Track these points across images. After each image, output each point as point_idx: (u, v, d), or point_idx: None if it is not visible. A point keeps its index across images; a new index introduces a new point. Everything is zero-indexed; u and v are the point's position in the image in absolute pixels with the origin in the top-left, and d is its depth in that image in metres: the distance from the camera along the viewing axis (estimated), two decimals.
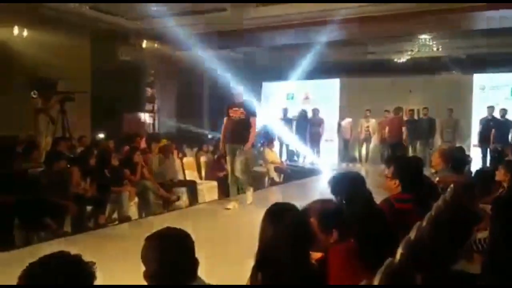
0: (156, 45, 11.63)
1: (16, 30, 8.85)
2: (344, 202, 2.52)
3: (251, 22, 10.19)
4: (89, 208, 6.11)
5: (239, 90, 6.90)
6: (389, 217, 2.75)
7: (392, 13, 9.19)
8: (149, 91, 12.18)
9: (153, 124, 12.36)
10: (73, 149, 7.93)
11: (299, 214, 1.99)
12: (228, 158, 6.92)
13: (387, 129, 11.96)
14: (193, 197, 7.84)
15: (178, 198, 7.55)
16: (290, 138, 13.07)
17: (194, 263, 1.78)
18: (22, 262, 1.56)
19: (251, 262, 2.03)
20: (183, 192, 7.76)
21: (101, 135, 10.14)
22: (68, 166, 6.19)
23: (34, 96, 8.54)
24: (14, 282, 1.56)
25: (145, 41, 11.41)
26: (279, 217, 1.93)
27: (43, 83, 8.58)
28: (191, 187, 7.94)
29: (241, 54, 14.45)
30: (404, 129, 11.65)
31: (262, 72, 15.37)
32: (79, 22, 9.53)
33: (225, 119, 6.89)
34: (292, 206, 2.01)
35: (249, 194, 6.84)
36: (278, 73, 15.16)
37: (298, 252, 1.86)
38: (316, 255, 2.17)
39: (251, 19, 10.07)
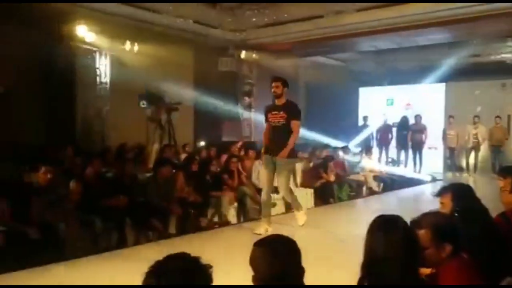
0: (254, 55, 11.93)
1: (128, 45, 9.57)
2: (456, 215, 2.36)
3: (349, 28, 10.01)
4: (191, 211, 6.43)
5: (280, 89, 5.53)
6: (505, 233, 2.52)
7: (501, 12, 8.47)
8: (246, 100, 12.52)
9: (250, 132, 12.66)
10: (178, 156, 8.40)
11: (407, 227, 1.90)
12: (261, 171, 6.17)
13: None
14: (288, 204, 7.86)
15: (274, 205, 7.61)
16: (390, 145, 12.60)
17: (301, 270, 1.79)
18: (136, 259, 1.67)
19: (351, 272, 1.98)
20: (278, 199, 7.82)
21: (203, 143, 10.61)
22: (173, 171, 6.56)
23: (143, 106, 9.20)
24: (131, 276, 1.68)
25: (243, 52, 11.75)
26: (385, 229, 1.86)
27: (152, 94, 9.19)
28: None
29: (338, 60, 14.26)
30: None
31: (359, 77, 15.03)
32: (184, 36, 10.10)
33: (265, 125, 5.90)
34: (398, 217, 1.92)
35: (300, 215, 5.94)
36: (376, 78, 14.72)
37: (406, 266, 1.78)
38: (425, 271, 2.06)
39: (348, 25, 9.89)
